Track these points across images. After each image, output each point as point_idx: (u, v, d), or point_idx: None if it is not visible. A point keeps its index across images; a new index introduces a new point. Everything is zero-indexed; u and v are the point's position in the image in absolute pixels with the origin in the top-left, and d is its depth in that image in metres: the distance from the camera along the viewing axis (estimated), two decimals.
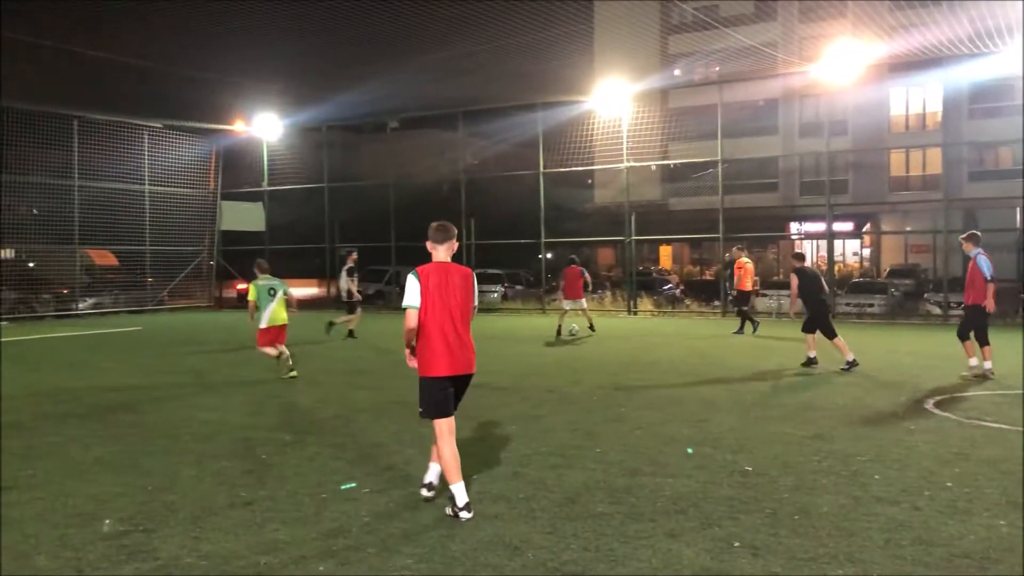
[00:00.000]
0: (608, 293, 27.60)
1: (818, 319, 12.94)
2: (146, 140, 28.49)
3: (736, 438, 7.93)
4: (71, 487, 6.47)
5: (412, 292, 5.82)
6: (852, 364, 12.47)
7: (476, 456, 7.30)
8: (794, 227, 39.65)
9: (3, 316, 24.09)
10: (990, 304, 11.61)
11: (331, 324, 18.14)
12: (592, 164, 27.51)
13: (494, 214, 30.83)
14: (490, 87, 27.42)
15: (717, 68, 34.74)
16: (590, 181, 39.88)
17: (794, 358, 13.72)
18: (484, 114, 30.81)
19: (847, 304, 24.70)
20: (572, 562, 4.82)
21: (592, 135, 26.33)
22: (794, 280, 13.12)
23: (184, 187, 29.80)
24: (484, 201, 31.78)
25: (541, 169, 26.80)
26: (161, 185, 28.96)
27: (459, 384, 5.91)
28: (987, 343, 11.78)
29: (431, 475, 6.04)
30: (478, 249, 28.74)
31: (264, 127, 30.17)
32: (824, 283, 13.64)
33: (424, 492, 6.02)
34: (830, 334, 12.75)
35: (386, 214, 28.94)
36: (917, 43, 22.28)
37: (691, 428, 8.43)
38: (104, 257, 29.33)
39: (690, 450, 7.14)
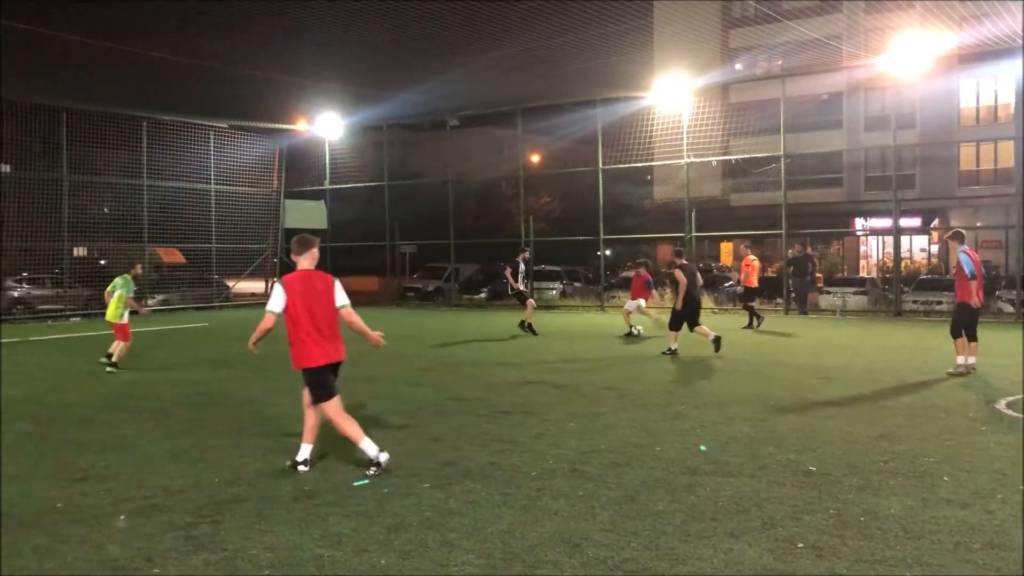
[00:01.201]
0: (668, 290, 27.36)
1: (685, 313, 14.38)
2: (212, 140, 29.07)
3: (799, 437, 7.80)
4: (141, 479, 6.66)
5: (276, 298, 6.64)
6: (715, 341, 14.10)
7: (535, 452, 7.32)
8: (859, 223, 38.81)
9: (77, 312, 24.87)
10: (975, 299, 11.78)
11: (526, 325, 18.40)
12: (652, 160, 27.28)
13: (553, 210, 30.71)
14: (549, 83, 27.33)
15: (780, 62, 34.15)
16: (649, 177, 39.55)
17: (860, 358, 13.43)
18: (543, 110, 30.78)
19: (914, 302, 24.11)
20: (632, 560, 4.80)
21: (652, 131, 26.12)
22: (679, 275, 14.47)
23: (249, 186, 30.36)
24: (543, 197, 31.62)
25: (600, 165, 26.69)
26: (226, 184, 29.55)
27: (333, 369, 6.84)
28: (975, 339, 11.84)
29: (304, 453, 6.89)
30: (536, 246, 28.74)
31: (326, 126, 30.57)
32: (699, 278, 15.39)
33: (301, 468, 6.79)
34: (692, 325, 14.38)
35: (445, 211, 29.12)
36: (989, 32, 21.60)
37: (752, 427, 8.31)
38: (172, 255, 30.09)
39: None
